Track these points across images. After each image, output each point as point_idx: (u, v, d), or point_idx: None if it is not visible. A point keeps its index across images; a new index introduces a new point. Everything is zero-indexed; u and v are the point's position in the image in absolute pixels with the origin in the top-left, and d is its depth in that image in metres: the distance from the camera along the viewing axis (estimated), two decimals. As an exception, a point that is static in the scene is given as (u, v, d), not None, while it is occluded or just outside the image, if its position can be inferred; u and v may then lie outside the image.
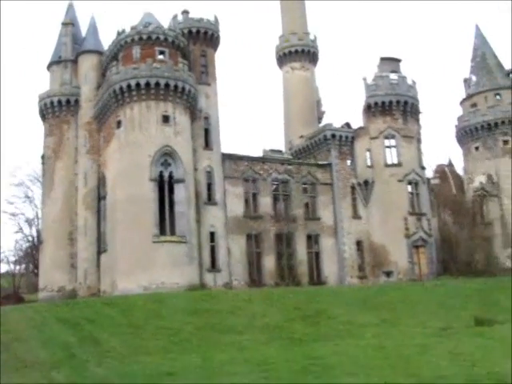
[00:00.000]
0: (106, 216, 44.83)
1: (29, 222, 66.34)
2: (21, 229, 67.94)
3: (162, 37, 44.51)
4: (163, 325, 21.71)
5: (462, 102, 65.75)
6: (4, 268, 76.43)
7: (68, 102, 48.32)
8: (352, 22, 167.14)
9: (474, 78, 64.96)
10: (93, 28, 50.17)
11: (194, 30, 47.68)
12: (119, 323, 22.27)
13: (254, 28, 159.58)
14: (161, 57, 44.68)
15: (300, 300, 27.64)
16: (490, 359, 14.58)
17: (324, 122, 56.46)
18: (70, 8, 52.32)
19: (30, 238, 67.45)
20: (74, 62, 49.52)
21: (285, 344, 19.40)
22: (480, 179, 61.93)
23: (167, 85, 42.96)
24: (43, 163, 49.70)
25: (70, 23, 50.11)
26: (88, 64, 48.66)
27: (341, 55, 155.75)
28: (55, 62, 49.94)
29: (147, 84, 42.62)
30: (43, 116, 49.50)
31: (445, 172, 66.29)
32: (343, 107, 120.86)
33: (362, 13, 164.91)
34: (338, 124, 53.59)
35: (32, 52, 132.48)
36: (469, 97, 64.79)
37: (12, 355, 18.39)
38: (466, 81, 65.71)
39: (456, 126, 65.53)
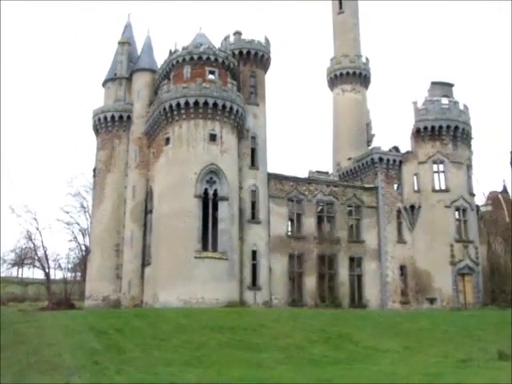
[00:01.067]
0: (152, 229, 45.97)
1: (82, 231, 68.34)
2: (75, 237, 70.23)
3: (212, 57, 45.58)
4: (188, 339, 22.25)
5: (517, 128, 64.47)
6: (58, 275, 79.10)
7: (121, 117, 50.01)
8: (407, 43, 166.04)
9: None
10: (147, 47, 51.79)
11: (244, 51, 48.61)
12: (146, 334, 22.94)
13: (307, 49, 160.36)
14: (211, 76, 45.72)
15: (327, 322, 27.73)
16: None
17: (373, 145, 56.32)
18: (128, 27, 54.27)
19: (84, 247, 69.53)
20: (129, 79, 51.26)
21: (301, 365, 19.62)
22: (535, 208, 60.46)
23: (215, 104, 43.92)
24: (94, 176, 51.41)
25: (126, 42, 51.97)
26: (141, 82, 50.23)
27: (394, 78, 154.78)
28: (110, 79, 51.83)
29: (196, 103, 43.69)
30: (96, 130, 51.35)
31: (498, 199, 65.03)
32: (394, 131, 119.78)
33: (418, 34, 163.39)
34: (386, 147, 53.50)
35: (89, 69, 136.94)
36: (524, 123, 63.48)
37: (41, 358, 19.32)
38: (523, 107, 64.41)
39: (511, 152, 64.19)
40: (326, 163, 63.74)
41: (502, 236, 58.71)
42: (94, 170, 51.50)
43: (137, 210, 47.80)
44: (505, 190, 68.20)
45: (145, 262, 46.45)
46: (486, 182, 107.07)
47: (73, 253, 73.41)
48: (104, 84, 52.62)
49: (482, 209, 64.04)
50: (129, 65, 51.67)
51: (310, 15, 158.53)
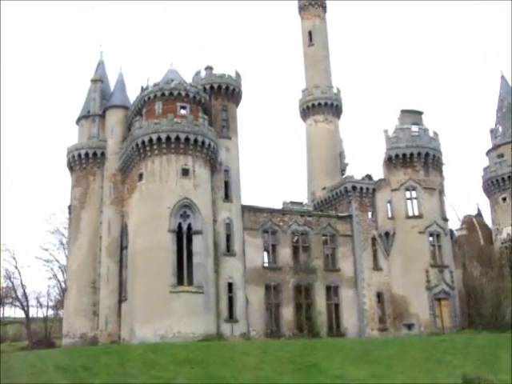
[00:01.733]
0: (127, 265, 46.03)
1: (62, 268, 68.17)
2: (54, 275, 70.08)
3: (183, 93, 46.23)
4: (156, 375, 22.25)
5: (488, 153, 65.63)
6: (40, 313, 78.54)
7: (95, 154, 50.34)
8: (377, 73, 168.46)
9: (500, 129, 64.94)
10: (120, 84, 52.43)
11: (215, 86, 49.34)
12: (114, 372, 22.87)
13: (280, 82, 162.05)
14: (182, 112, 46.31)
15: (297, 352, 27.84)
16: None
17: (347, 173, 57.04)
18: (101, 65, 54.97)
19: (63, 284, 69.34)
20: (102, 116, 51.73)
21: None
22: (508, 230, 61.23)
23: (187, 139, 44.44)
24: (70, 213, 51.55)
25: (98, 80, 52.59)
26: (114, 118, 50.71)
27: (366, 107, 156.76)
28: (84, 117, 52.30)
29: (168, 138, 44.18)
30: (71, 168, 51.59)
31: (472, 223, 65.80)
32: (367, 159, 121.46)
33: (388, 65, 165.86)
34: (360, 176, 54.18)
35: (63, 106, 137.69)
36: (495, 147, 64.69)
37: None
38: (493, 131, 65.69)
39: (482, 177, 65.28)
40: (301, 193, 64.30)
41: (477, 259, 59.19)
42: (70, 208, 51.65)
43: (112, 246, 47.89)
44: (479, 214, 69.04)
45: (121, 298, 46.38)
46: (461, 207, 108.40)
47: (53, 290, 73.11)
48: (78, 121, 53.04)
49: (457, 233, 64.90)
50: (102, 102, 52.17)
51: (283, 48, 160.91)
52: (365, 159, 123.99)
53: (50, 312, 78.56)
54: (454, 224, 67.18)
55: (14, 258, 65.64)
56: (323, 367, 23.85)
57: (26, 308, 68.29)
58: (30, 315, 70.14)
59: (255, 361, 24.94)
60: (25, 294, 68.94)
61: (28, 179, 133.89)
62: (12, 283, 68.38)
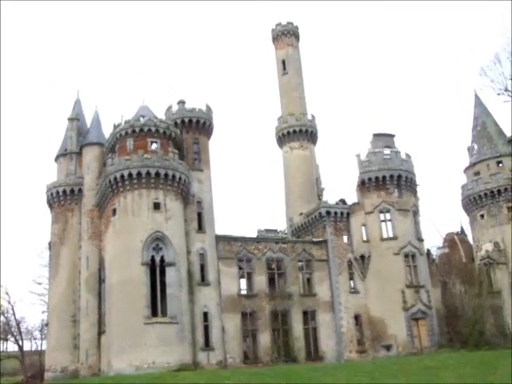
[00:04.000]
0: (106, 298, 47.11)
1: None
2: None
3: (153, 128, 47.65)
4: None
5: (465, 171, 66.53)
6: (34, 347, 79.43)
7: (72, 191, 51.76)
8: (352, 98, 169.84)
9: (475, 147, 65.90)
10: (96, 121, 53.97)
11: (186, 120, 50.74)
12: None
13: (256, 112, 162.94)
14: (154, 146, 47.69)
15: (246, 380, 28.75)
16: None
17: (324, 198, 57.96)
18: (77, 103, 56.61)
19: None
20: (79, 153, 53.18)
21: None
22: (487, 247, 61.93)
23: (157, 174, 45.73)
24: (50, 249, 52.80)
25: (75, 118, 54.14)
26: (91, 155, 52.16)
27: (342, 132, 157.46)
28: (62, 155, 53.82)
29: (139, 174, 45.49)
30: (50, 205, 52.99)
31: (454, 240, 66.44)
32: (343, 184, 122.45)
33: (362, 89, 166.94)
34: (334, 201, 55.16)
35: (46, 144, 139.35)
36: (471, 165, 65.59)
37: None
38: (469, 149, 66.63)
39: (461, 195, 66.13)
40: (280, 220, 65.22)
41: (460, 277, 59.73)
42: (50, 244, 52.93)
43: (91, 280, 49.05)
44: (462, 231, 69.72)
45: (101, 331, 47.42)
46: (445, 225, 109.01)
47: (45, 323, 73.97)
48: (56, 159, 54.56)
49: (439, 251, 65.62)
50: (79, 139, 53.68)
51: (261, 79, 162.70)
52: (341, 184, 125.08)
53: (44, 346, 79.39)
54: (437, 242, 68.17)
55: (8, 294, 66.82)
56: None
57: (20, 342, 69.25)
58: (26, 349, 71.06)
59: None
60: (18, 329, 70.00)
61: (20, 214, 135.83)
62: (6, 318, 69.55)
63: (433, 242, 70.85)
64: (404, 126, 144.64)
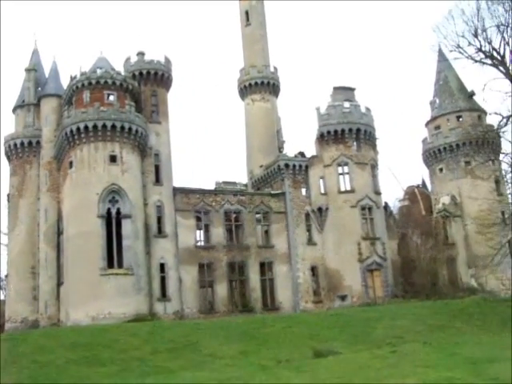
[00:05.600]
0: (64, 250, 47.64)
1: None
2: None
3: (109, 81, 47.35)
4: (39, 359, 24.09)
5: (426, 125, 67.10)
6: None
7: (30, 143, 51.58)
8: (316, 51, 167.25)
9: (437, 101, 66.37)
10: (54, 72, 53.39)
11: (144, 72, 50.41)
12: (2, 358, 24.59)
13: (220, 63, 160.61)
14: (111, 98, 47.51)
15: (184, 332, 29.62)
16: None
17: (285, 151, 58.34)
18: (35, 53, 55.83)
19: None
20: (37, 105, 52.75)
21: (130, 376, 21.68)
22: (444, 200, 63.12)
23: (114, 126, 45.78)
24: (8, 201, 52.88)
25: (32, 69, 53.51)
26: (49, 107, 51.81)
27: (305, 85, 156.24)
28: (19, 106, 53.38)
29: (94, 126, 45.51)
30: (8, 157, 52.80)
31: (415, 193, 67.55)
32: (304, 137, 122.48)
33: (326, 41, 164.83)
34: (293, 153, 55.64)
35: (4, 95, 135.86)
36: (432, 119, 66.14)
37: None
38: (431, 103, 67.12)
39: (422, 149, 66.96)
40: (241, 173, 65.47)
41: (418, 228, 60.97)
42: (8, 196, 52.98)
43: (50, 232, 49.44)
44: (424, 185, 70.76)
45: (59, 282, 48.10)
46: (408, 178, 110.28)
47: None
48: (14, 111, 54.10)
49: (400, 203, 66.78)
50: (37, 91, 53.18)
51: (223, 31, 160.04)
52: (303, 137, 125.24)
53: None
54: (400, 195, 69.26)
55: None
56: (200, 346, 25.69)
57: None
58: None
59: (138, 342, 26.75)
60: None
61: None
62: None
63: (395, 195, 71.51)
64: (368, 80, 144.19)
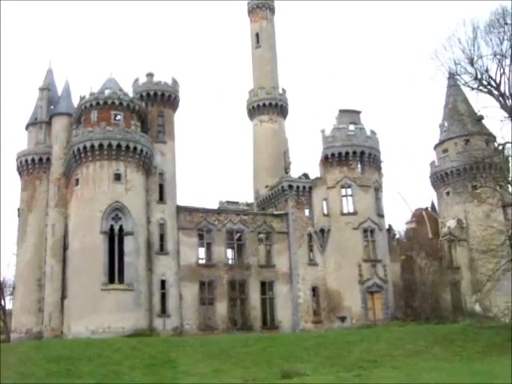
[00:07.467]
0: (68, 264, 49.07)
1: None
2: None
3: (117, 101, 48.92)
4: (22, 370, 25.20)
5: (435, 148, 67.46)
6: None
7: (41, 159, 53.38)
8: (325, 73, 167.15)
9: (446, 124, 66.71)
10: (66, 91, 55.19)
11: (151, 93, 51.91)
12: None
13: (231, 85, 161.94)
14: (118, 118, 49.04)
15: (164, 348, 30.54)
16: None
17: (291, 172, 59.25)
18: (49, 73, 57.83)
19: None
20: (49, 123, 54.57)
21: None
22: (450, 224, 63.26)
23: (119, 145, 47.21)
24: (18, 215, 54.58)
25: (45, 88, 55.45)
26: (59, 125, 53.53)
27: (314, 107, 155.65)
28: (32, 124, 55.32)
29: (100, 145, 46.99)
30: (20, 172, 54.66)
31: (422, 216, 67.78)
32: (310, 158, 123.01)
33: (336, 64, 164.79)
34: (299, 175, 56.48)
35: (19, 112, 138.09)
36: (440, 142, 66.50)
37: None
38: (440, 127, 67.48)
39: (430, 172, 67.25)
40: (248, 193, 66.31)
41: (423, 251, 61.16)
42: (18, 210, 54.69)
43: (56, 247, 50.88)
44: (433, 207, 70.88)
45: (63, 295, 49.45)
46: (418, 202, 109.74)
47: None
48: (26, 128, 56.03)
49: (407, 226, 67.06)
50: (49, 109, 55.02)
51: (234, 52, 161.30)
52: (309, 158, 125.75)
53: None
54: (407, 217, 69.51)
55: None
56: (177, 363, 26.58)
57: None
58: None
59: (120, 357, 27.69)
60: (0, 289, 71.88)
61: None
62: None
63: (405, 219, 71.46)
64: (378, 103, 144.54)
